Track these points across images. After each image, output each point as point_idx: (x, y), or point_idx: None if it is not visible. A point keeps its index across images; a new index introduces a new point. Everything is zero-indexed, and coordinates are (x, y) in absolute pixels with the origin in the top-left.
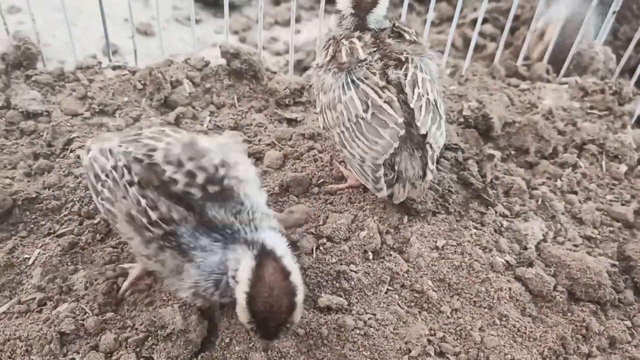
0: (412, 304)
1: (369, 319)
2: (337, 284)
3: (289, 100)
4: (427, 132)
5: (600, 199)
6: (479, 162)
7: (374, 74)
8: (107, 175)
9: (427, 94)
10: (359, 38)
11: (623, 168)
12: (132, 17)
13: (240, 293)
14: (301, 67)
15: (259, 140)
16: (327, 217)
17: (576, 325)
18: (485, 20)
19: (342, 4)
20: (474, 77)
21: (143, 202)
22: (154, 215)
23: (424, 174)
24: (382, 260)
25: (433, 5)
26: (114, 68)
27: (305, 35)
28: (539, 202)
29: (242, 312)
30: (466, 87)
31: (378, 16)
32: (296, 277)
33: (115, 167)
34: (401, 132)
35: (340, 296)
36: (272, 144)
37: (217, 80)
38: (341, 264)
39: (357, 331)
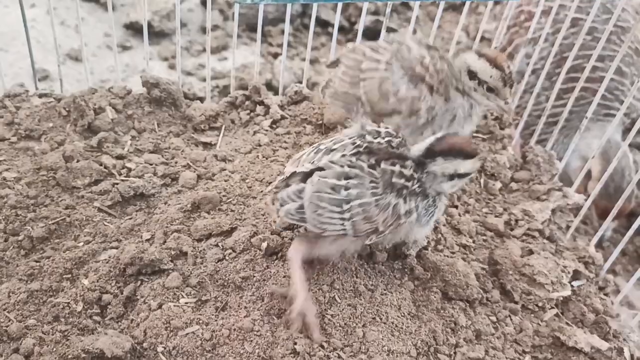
0: None
1: None
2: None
3: (205, 126)
4: None
5: (477, 212)
6: None
7: None
8: (348, 177)
9: None
10: None
11: (498, 185)
12: (59, 46)
13: (462, 166)
14: (227, 93)
15: (176, 162)
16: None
17: (446, 320)
18: None
19: None
20: None
21: (396, 168)
22: (408, 171)
23: None
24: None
25: (360, 35)
26: (40, 96)
27: (230, 61)
28: None
29: (472, 166)
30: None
31: None
32: None
33: (353, 165)
34: None
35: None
36: (188, 165)
37: (139, 107)
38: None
39: None
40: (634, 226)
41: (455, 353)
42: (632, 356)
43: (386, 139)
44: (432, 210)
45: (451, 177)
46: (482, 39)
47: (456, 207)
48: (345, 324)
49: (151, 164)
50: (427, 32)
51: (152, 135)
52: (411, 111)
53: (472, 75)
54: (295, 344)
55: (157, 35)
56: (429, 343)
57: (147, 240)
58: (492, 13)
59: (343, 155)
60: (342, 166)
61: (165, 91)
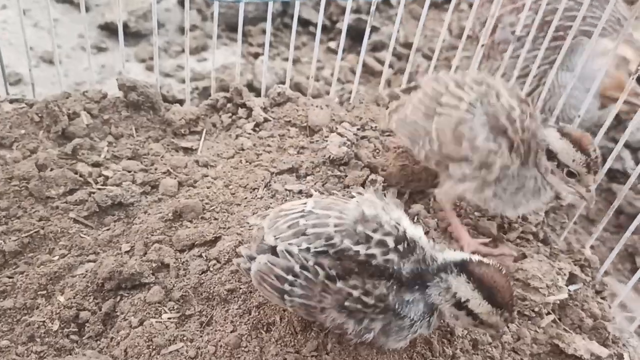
0: None
1: None
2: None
3: (185, 130)
4: None
5: (469, 215)
6: (362, 184)
7: None
8: (295, 276)
9: None
10: None
11: None
12: (33, 49)
13: (479, 304)
14: (207, 95)
15: (156, 169)
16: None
17: (442, 331)
18: (383, 47)
19: None
20: (360, 104)
21: (356, 293)
22: (370, 301)
23: None
24: None
25: (344, 35)
26: (11, 101)
27: (210, 62)
28: (414, 220)
29: (491, 317)
30: (352, 114)
31: None
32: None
33: (305, 267)
34: None
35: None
36: (168, 172)
37: (115, 112)
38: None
39: None
40: (632, 227)
41: None
42: None
43: (375, 250)
44: (405, 335)
45: (458, 305)
46: (467, 37)
47: None
48: (337, 338)
49: (129, 171)
50: (409, 30)
51: (129, 141)
52: (483, 164)
53: (550, 155)
54: (286, 359)
55: (134, 36)
56: (424, 355)
57: (127, 252)
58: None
59: (307, 250)
60: (297, 262)
61: (143, 94)
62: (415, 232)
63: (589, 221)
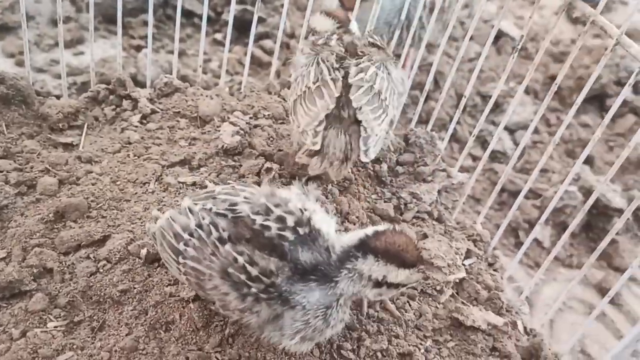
0: None
1: None
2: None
3: (63, 125)
4: (360, 109)
5: (367, 198)
6: (257, 173)
7: (335, 58)
8: (190, 234)
9: (374, 83)
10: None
11: (384, 167)
12: None
13: (396, 275)
14: (86, 90)
15: (32, 168)
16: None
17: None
18: (268, 38)
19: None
20: (251, 93)
21: (240, 259)
22: (254, 271)
23: (346, 158)
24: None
25: (231, 26)
26: None
27: (88, 56)
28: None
29: (410, 278)
30: (243, 103)
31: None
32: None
33: (200, 225)
34: (331, 105)
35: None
36: (46, 170)
37: None
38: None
39: None
40: (515, 205)
41: (359, 347)
42: (525, 328)
43: (272, 223)
44: (298, 326)
45: (378, 284)
46: None
47: (345, 195)
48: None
49: (1, 171)
50: (295, 21)
51: (0, 139)
52: None
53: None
54: (187, 358)
55: (0, 29)
56: (331, 340)
57: (3, 258)
58: None
59: (209, 210)
60: (194, 220)
61: (12, 87)
62: (323, 225)
63: (475, 200)
